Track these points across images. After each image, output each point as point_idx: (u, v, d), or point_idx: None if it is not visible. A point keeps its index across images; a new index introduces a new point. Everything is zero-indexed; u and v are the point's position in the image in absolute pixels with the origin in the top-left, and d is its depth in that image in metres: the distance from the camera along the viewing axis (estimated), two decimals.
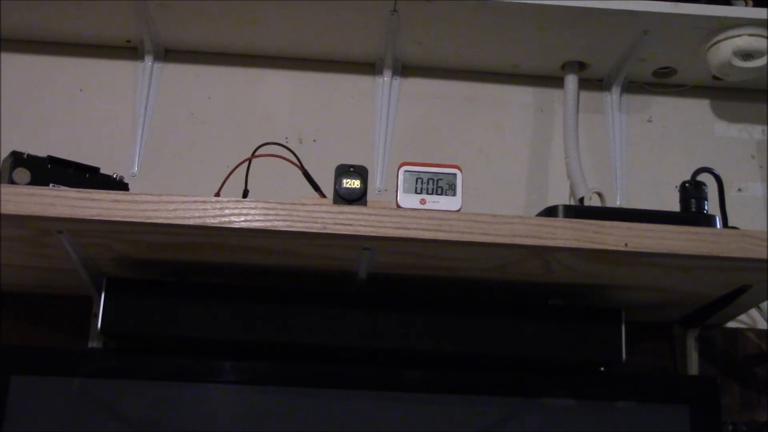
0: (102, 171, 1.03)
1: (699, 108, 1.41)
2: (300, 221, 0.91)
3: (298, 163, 1.06)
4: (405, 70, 1.38)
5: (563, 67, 1.36)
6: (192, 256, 1.01)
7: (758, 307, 1.23)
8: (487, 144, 1.37)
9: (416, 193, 0.97)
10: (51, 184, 0.96)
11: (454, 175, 0.98)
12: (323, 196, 1.04)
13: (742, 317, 1.25)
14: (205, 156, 1.32)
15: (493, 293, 1.09)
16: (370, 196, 0.96)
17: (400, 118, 1.36)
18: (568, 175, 1.29)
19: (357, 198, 0.95)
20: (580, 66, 1.35)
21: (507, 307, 1.02)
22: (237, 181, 1.06)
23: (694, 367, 1.20)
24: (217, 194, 1.00)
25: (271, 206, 0.91)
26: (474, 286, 1.08)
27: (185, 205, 0.91)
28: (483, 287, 1.08)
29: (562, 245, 0.92)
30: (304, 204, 0.92)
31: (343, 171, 0.96)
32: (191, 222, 0.90)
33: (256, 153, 1.06)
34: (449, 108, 1.38)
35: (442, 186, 0.97)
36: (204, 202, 0.91)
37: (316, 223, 0.91)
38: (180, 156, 1.32)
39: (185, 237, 0.95)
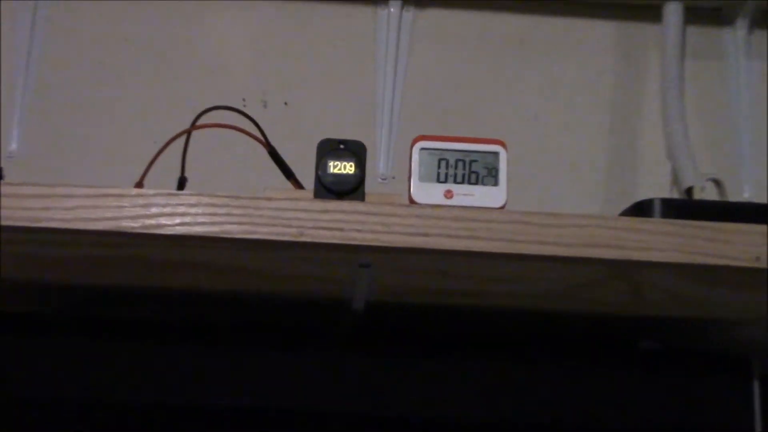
0: None
1: None
2: (264, 224, 0.91)
3: (261, 138, 1.06)
4: None
5: None
6: (99, 277, 1.01)
7: None
8: (545, 108, 1.37)
9: (439, 181, 0.97)
10: None
11: (496, 154, 0.98)
12: (299, 186, 1.04)
13: None
14: (120, 128, 1.32)
15: (554, 333, 1.10)
16: (369, 187, 0.96)
17: (413, 69, 1.37)
18: (668, 154, 1.30)
19: (350, 189, 0.95)
20: None
21: (576, 353, 1.03)
22: (169, 166, 1.06)
23: None
24: (139, 184, 1.01)
25: (221, 202, 0.91)
26: (524, 322, 1.08)
27: (91, 201, 0.91)
28: (538, 324, 1.08)
29: (658, 259, 0.92)
30: (270, 199, 0.92)
31: (330, 149, 0.96)
32: (100, 226, 0.90)
33: (198, 122, 1.06)
34: (487, 54, 1.38)
35: (477, 171, 0.97)
36: (119, 196, 0.91)
37: (288, 227, 0.91)
38: (81, 127, 1.33)
39: (89, 248, 0.95)
